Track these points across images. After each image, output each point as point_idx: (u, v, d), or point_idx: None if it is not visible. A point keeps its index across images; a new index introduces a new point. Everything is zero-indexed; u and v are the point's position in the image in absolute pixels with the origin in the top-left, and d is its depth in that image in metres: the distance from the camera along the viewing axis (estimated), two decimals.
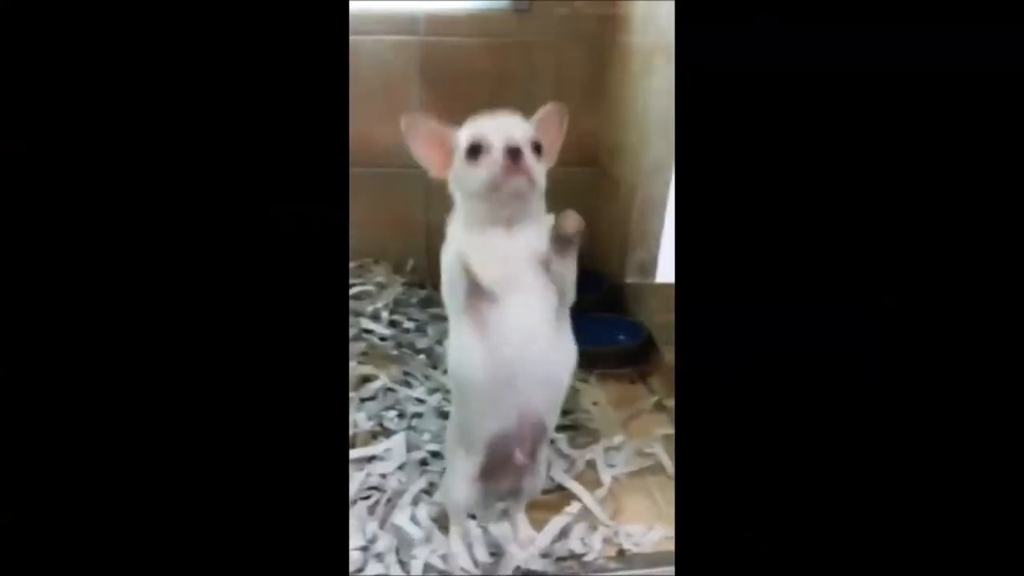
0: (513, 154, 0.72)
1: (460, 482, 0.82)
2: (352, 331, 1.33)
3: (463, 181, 0.77)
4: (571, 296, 0.79)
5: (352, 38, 1.52)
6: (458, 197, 0.81)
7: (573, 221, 0.74)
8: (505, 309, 0.74)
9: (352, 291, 1.49)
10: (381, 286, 1.50)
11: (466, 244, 0.75)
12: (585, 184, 1.66)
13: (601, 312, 1.47)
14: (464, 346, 0.77)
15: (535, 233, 0.77)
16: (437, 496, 0.92)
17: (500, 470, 0.81)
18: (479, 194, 0.75)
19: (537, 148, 0.76)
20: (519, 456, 0.78)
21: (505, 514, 0.90)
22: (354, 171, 1.63)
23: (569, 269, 0.77)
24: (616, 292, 1.54)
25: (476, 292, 0.74)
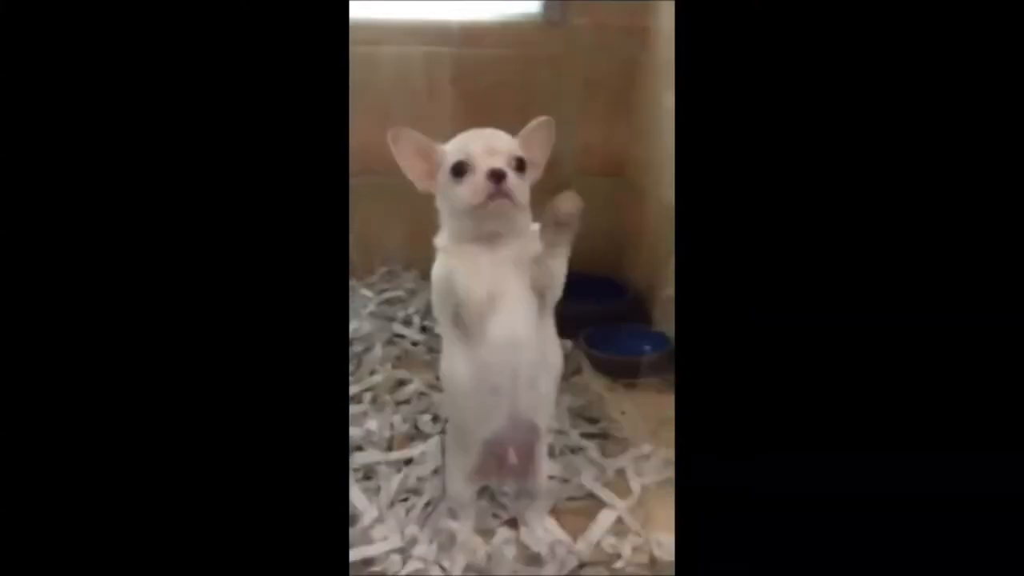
0: (496, 176, 0.74)
1: (458, 479, 0.87)
2: (384, 336, 1.36)
3: (448, 197, 0.79)
4: (557, 293, 0.80)
5: (386, 48, 1.56)
6: (443, 211, 0.82)
7: (571, 203, 0.72)
8: (491, 322, 0.76)
9: (383, 296, 1.52)
10: (411, 292, 1.53)
11: (454, 260, 0.77)
12: (612, 194, 1.68)
13: (625, 322, 1.50)
14: (454, 358, 0.80)
15: (520, 246, 0.78)
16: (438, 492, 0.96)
17: (496, 468, 0.86)
18: (463, 211, 0.77)
19: (521, 165, 0.78)
20: (512, 456, 0.82)
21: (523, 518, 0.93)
22: (383, 180, 1.65)
23: (559, 261, 0.77)
24: (640, 302, 1.56)
25: (464, 311, 0.76)
